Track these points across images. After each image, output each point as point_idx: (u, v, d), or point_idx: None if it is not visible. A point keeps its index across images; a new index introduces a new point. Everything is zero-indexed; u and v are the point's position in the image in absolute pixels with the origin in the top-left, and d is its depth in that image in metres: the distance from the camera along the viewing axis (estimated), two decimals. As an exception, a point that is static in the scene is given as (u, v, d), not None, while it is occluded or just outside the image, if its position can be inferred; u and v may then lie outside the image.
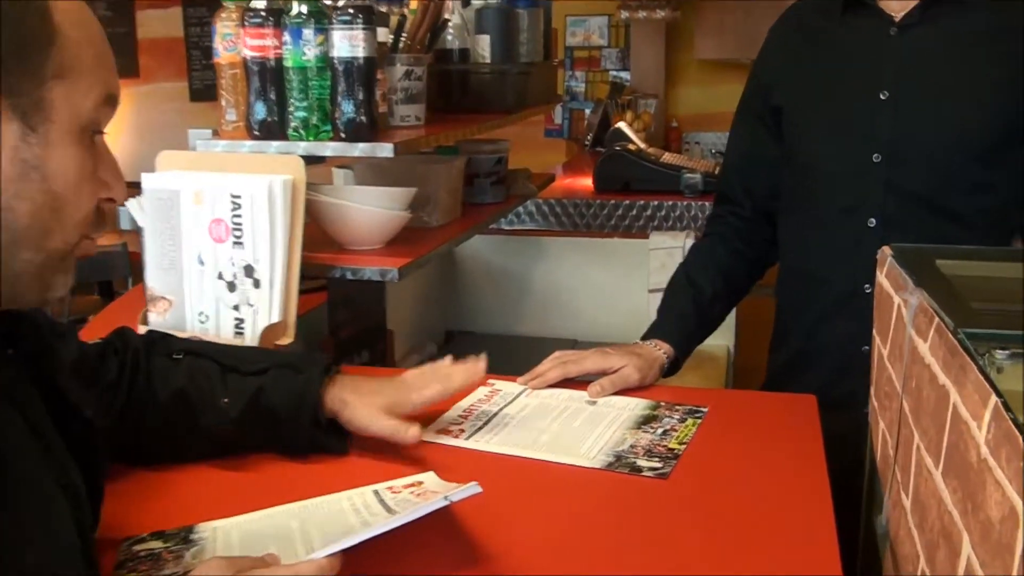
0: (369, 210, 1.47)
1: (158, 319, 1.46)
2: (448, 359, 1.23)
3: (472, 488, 0.88)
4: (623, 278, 2.40)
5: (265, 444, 1.13)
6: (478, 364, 1.19)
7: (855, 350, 1.35)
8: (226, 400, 1.10)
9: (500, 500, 1.01)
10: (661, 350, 1.37)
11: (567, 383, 1.33)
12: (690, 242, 2.30)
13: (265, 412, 1.11)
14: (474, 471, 1.09)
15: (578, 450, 1.12)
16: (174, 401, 1.10)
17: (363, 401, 1.12)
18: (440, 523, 0.93)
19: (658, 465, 1.08)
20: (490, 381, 1.36)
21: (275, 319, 1.37)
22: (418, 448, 1.13)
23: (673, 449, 1.13)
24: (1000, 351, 0.69)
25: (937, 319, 0.75)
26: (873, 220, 1.34)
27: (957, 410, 0.66)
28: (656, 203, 2.59)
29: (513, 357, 2.48)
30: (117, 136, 0.83)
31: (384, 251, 1.51)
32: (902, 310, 0.89)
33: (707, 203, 2.52)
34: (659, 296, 2.40)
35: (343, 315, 1.71)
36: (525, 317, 2.49)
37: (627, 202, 2.59)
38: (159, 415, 1.09)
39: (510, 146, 1.98)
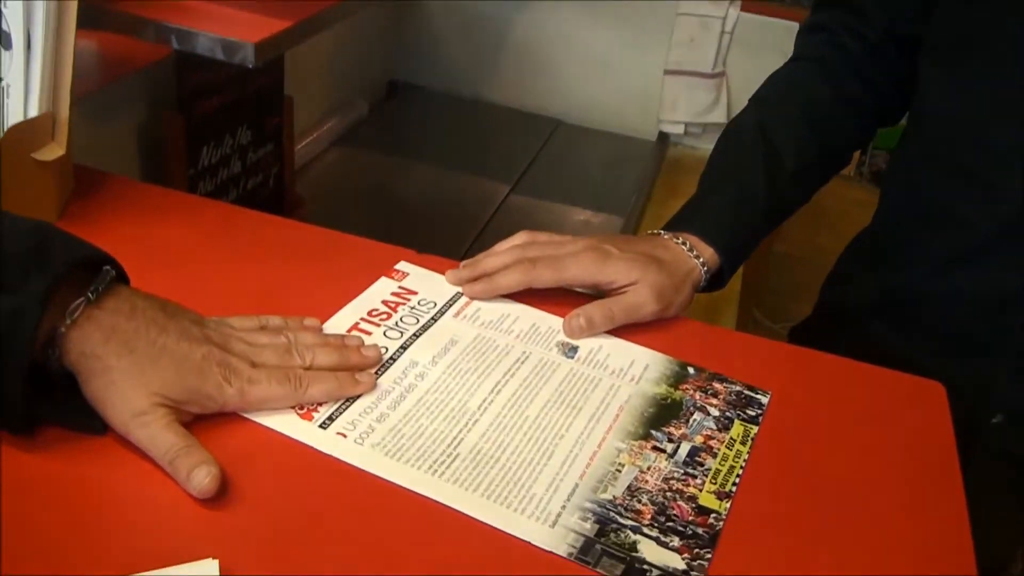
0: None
1: None
2: (314, 323, 0.70)
3: None
4: (633, 47, 1.76)
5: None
6: (362, 378, 0.65)
7: (1014, 319, 0.81)
8: None
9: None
10: (699, 257, 0.79)
11: (532, 296, 0.77)
12: (735, 13, 1.65)
13: None
14: (326, 518, 0.55)
15: (527, 490, 0.59)
16: None
17: (130, 375, 0.57)
18: None
19: (676, 563, 0.55)
20: (400, 267, 0.80)
21: (34, 111, 0.77)
22: (234, 438, 0.60)
23: (708, 510, 0.59)
24: None
25: None
26: None
27: None
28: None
29: (474, 130, 1.88)
30: None
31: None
32: None
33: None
34: (679, 82, 1.79)
35: (201, 74, 1.10)
36: (495, 78, 1.86)
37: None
38: None
39: None
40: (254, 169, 1.25)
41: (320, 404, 0.63)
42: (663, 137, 1.79)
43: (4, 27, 0.75)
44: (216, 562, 0.49)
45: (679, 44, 1.68)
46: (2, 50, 0.76)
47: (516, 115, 1.83)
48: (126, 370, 0.57)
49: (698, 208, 0.83)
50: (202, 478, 0.54)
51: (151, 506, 0.55)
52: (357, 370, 0.65)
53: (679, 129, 1.77)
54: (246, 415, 0.61)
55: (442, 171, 1.57)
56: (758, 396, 0.70)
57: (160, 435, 0.56)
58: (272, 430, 0.61)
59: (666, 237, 0.80)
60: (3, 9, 0.75)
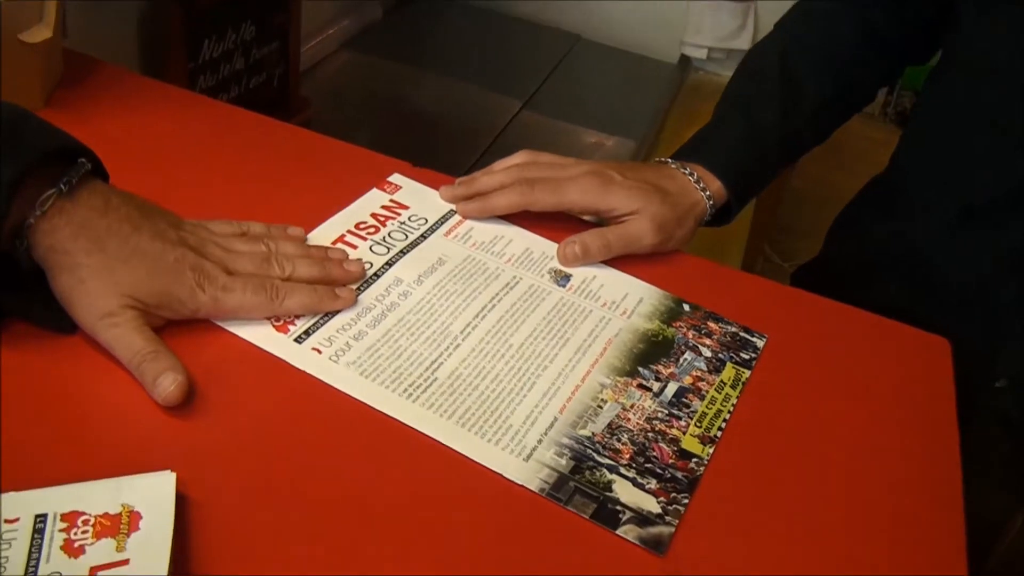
0: None
1: None
2: (298, 232, 0.67)
3: None
4: (660, -35, 1.70)
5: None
6: (342, 293, 0.62)
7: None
8: None
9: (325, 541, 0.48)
10: (705, 190, 0.76)
11: (528, 220, 0.74)
12: (769, -65, 1.58)
13: None
14: (293, 436, 0.54)
15: (504, 421, 0.57)
16: None
17: (99, 274, 0.54)
18: None
19: (651, 506, 0.53)
20: (393, 179, 0.77)
21: (19, -11, 0.74)
22: (206, 346, 0.58)
23: (689, 454, 0.57)
24: None
25: None
26: None
27: None
28: None
29: (489, 41, 1.82)
30: None
31: None
32: None
33: None
34: (705, 4, 1.72)
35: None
36: (516, -11, 1.80)
37: None
38: None
39: None
40: (257, 67, 1.21)
41: (297, 317, 0.60)
42: (685, 60, 1.73)
43: (-9, -102, 0.71)
44: (173, 475, 0.47)
45: (708, -36, 1.62)
46: (-12, -77, 0.72)
47: (534, 28, 1.77)
48: (95, 268, 0.54)
49: (708, 138, 0.80)
50: (168, 385, 0.52)
51: (113, 411, 0.53)
52: (338, 284, 0.63)
53: (702, 53, 1.72)
54: (220, 324, 0.59)
55: (453, 82, 1.52)
56: (754, 339, 0.67)
57: (128, 338, 0.54)
58: (246, 341, 0.59)
59: (673, 166, 0.76)
60: None
